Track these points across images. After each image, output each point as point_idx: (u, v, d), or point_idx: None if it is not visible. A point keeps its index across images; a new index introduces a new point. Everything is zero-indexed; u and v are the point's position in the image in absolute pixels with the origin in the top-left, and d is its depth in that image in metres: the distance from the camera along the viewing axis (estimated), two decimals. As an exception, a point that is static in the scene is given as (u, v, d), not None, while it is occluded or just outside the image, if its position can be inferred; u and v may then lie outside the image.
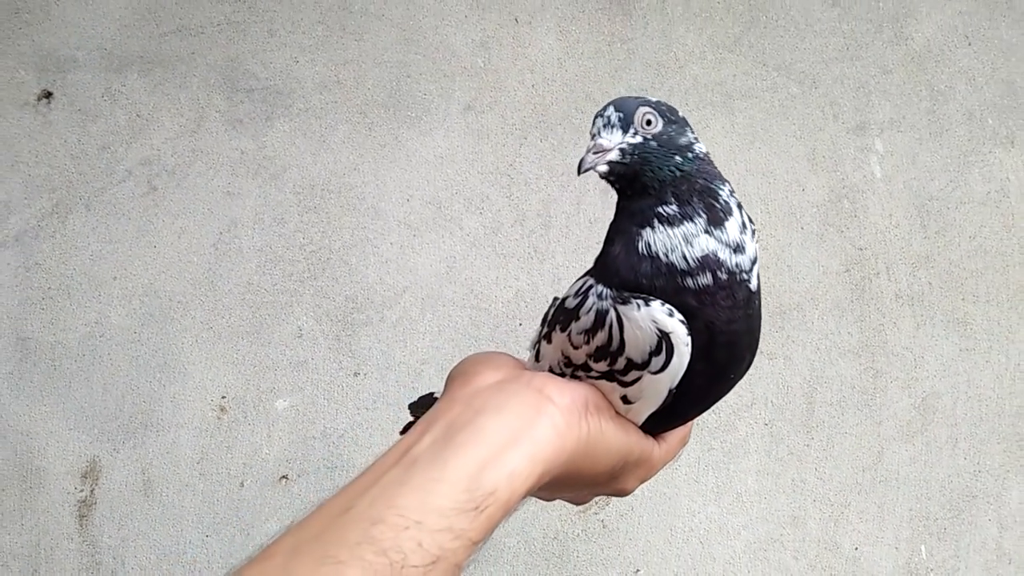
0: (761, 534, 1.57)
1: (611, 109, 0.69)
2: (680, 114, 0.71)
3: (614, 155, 0.67)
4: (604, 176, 0.69)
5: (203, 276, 1.52)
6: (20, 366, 1.48)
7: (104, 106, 1.52)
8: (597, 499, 1.52)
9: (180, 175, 1.52)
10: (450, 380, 0.70)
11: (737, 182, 1.60)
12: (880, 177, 1.63)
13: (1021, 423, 1.62)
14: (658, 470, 0.76)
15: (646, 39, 1.61)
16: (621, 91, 1.57)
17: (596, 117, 0.70)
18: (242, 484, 1.50)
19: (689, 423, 0.78)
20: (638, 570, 1.54)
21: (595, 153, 0.68)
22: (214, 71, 1.54)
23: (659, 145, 0.68)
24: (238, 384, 1.51)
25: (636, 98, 0.70)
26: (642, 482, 0.76)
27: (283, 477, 1.51)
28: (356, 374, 1.52)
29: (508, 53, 1.59)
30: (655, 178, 0.67)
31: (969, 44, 1.66)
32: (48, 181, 1.50)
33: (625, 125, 0.68)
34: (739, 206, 0.69)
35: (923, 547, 1.59)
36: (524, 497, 0.60)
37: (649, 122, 0.68)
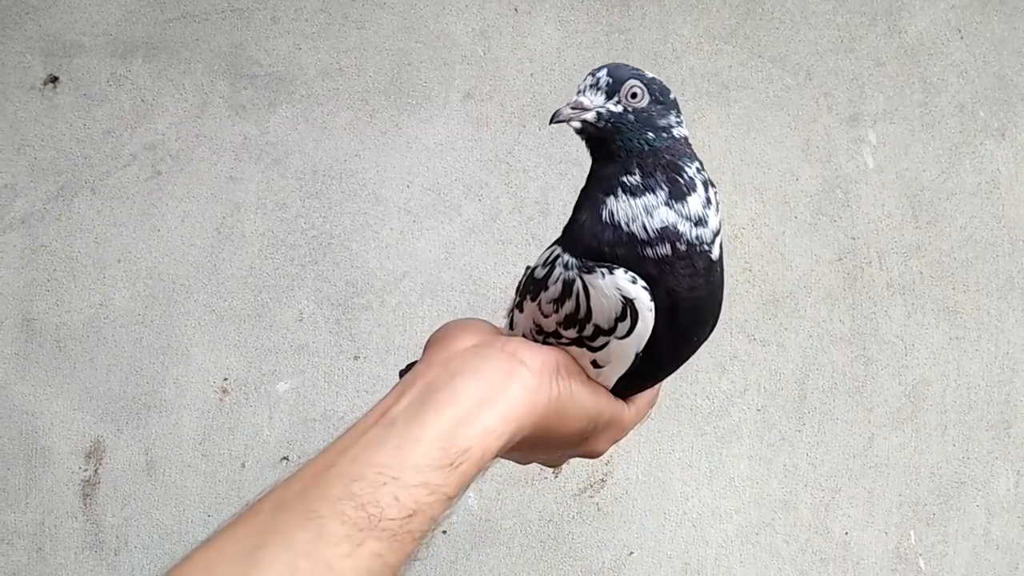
0: (753, 518, 1.59)
1: (603, 72, 0.71)
2: (672, 97, 0.73)
3: (590, 116, 0.70)
4: (577, 132, 0.72)
5: (206, 260, 1.54)
6: (25, 347, 1.50)
7: (109, 91, 1.54)
8: (592, 480, 1.55)
9: (184, 160, 1.55)
10: (428, 345, 0.72)
11: (732, 172, 1.62)
12: (873, 168, 1.65)
13: (1009, 411, 1.65)
14: (628, 431, 0.79)
15: (644, 29, 1.63)
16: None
17: (587, 75, 0.72)
18: (243, 465, 1.52)
19: (657, 385, 0.81)
20: (632, 552, 1.57)
21: (572, 108, 0.70)
22: (218, 57, 1.56)
23: (636, 120, 0.70)
24: (240, 366, 1.53)
25: (631, 69, 0.72)
26: (613, 443, 0.79)
27: (284, 458, 1.53)
28: (356, 358, 1.55)
29: (508, 42, 1.61)
30: (623, 147, 0.69)
31: (961, 38, 1.69)
32: (54, 164, 1.52)
33: (611, 92, 0.70)
34: (707, 184, 0.70)
35: (912, 532, 1.62)
36: (497, 455, 0.63)
37: (635, 95, 0.70)
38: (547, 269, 0.71)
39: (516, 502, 1.55)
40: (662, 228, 0.67)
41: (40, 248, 1.51)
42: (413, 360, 0.94)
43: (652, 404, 0.82)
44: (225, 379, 1.53)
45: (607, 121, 0.70)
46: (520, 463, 0.85)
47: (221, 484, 1.51)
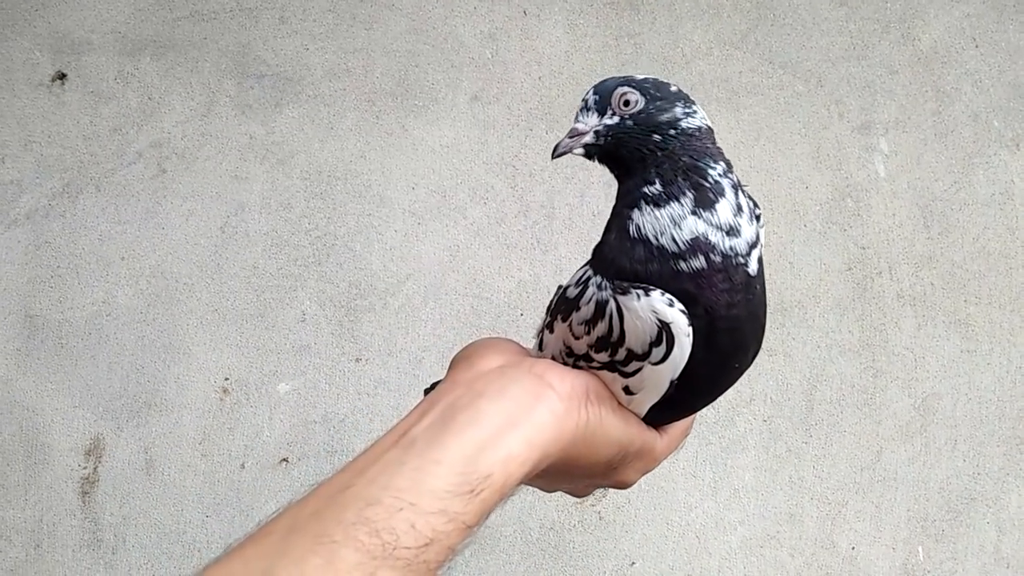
0: (758, 530, 1.57)
1: (590, 92, 0.69)
2: (674, 89, 0.69)
3: (588, 138, 0.67)
4: (587, 157, 0.69)
5: (209, 259, 1.53)
6: (28, 343, 1.50)
7: (117, 88, 1.54)
8: (595, 492, 1.53)
9: (189, 158, 1.54)
10: (453, 364, 0.69)
11: (741, 178, 1.61)
12: (884, 176, 1.63)
13: (1021, 426, 1.62)
14: (659, 462, 0.75)
15: (653, 34, 1.62)
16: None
17: (581, 101, 0.69)
18: (243, 466, 1.51)
19: (692, 416, 0.76)
20: (634, 563, 1.55)
21: (571, 137, 0.68)
22: (225, 56, 1.56)
23: (635, 124, 0.67)
24: (241, 366, 1.52)
25: (618, 78, 0.69)
26: (643, 474, 0.75)
27: (283, 460, 1.52)
28: (358, 360, 1.54)
29: (516, 45, 1.60)
30: (632, 157, 0.66)
31: (976, 46, 1.66)
32: (60, 161, 1.53)
33: (602, 107, 0.68)
34: (735, 187, 0.67)
35: (920, 548, 1.59)
36: (520, 483, 0.59)
37: (627, 102, 0.67)
38: (580, 288, 0.67)
39: (517, 509, 1.53)
40: (692, 239, 0.63)
41: (44, 244, 1.51)
42: (438, 379, 0.92)
43: (686, 435, 0.77)
44: (226, 379, 1.52)
45: (606, 136, 0.67)
46: (544, 491, 0.81)
47: (220, 484, 1.50)
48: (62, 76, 1.54)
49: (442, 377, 0.70)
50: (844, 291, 1.61)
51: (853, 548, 1.58)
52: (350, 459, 0.59)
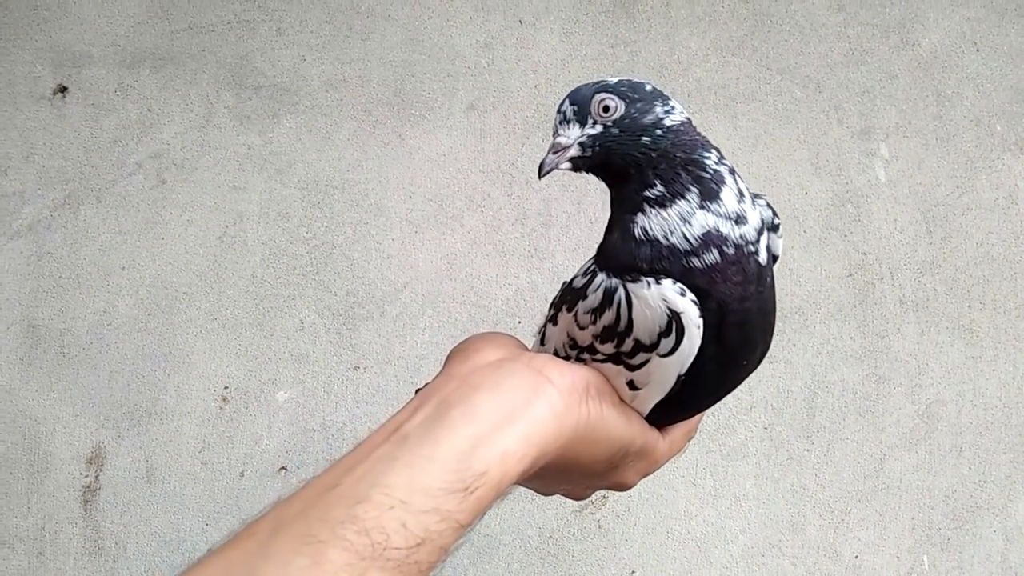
0: (759, 539, 1.55)
1: (566, 103, 0.67)
2: (649, 88, 0.68)
3: (573, 151, 0.66)
4: (575, 171, 0.67)
5: (209, 268, 1.55)
6: (30, 353, 1.52)
7: (116, 101, 1.56)
8: (594, 497, 1.53)
9: (188, 169, 1.56)
10: (450, 358, 0.68)
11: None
12: (885, 182, 1.62)
13: (1028, 433, 1.60)
14: (661, 464, 0.73)
15: (649, 42, 1.62)
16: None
17: (556, 114, 0.67)
18: (242, 474, 1.52)
19: (696, 417, 0.75)
20: (633, 572, 1.54)
21: (555, 153, 0.66)
22: (223, 68, 1.58)
23: (620, 131, 0.65)
24: (240, 375, 1.53)
25: (593, 84, 0.67)
26: (643, 476, 0.73)
27: (282, 468, 1.52)
28: (356, 368, 1.54)
29: (512, 54, 1.61)
30: (625, 164, 0.65)
31: (977, 50, 1.65)
32: (61, 173, 1.55)
33: (582, 117, 0.66)
34: (732, 172, 0.65)
35: (925, 557, 1.57)
36: (517, 481, 0.57)
37: (607, 108, 0.66)
38: (587, 278, 0.66)
39: (515, 517, 1.53)
40: (704, 234, 0.62)
41: (46, 255, 1.53)
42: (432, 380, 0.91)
43: (689, 437, 0.75)
44: (225, 387, 1.53)
45: (592, 147, 0.66)
46: (541, 493, 0.78)
47: (220, 493, 1.51)
48: (63, 89, 1.56)
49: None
50: (845, 297, 1.60)
51: (856, 557, 1.56)
52: (339, 456, 0.57)
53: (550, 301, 0.75)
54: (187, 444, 1.52)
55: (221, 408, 1.53)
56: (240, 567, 0.49)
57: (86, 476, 1.51)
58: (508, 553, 1.52)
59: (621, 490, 0.74)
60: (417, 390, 0.87)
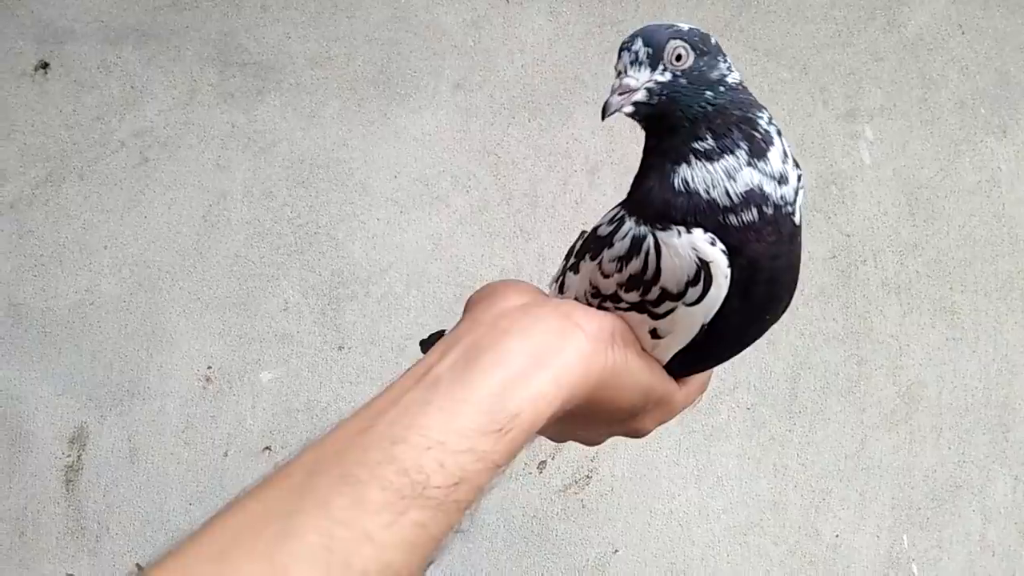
0: (741, 518, 1.57)
1: (639, 43, 0.64)
2: (714, 42, 0.66)
3: (641, 95, 0.63)
4: (630, 115, 0.65)
5: (192, 247, 1.54)
6: (11, 331, 1.51)
7: (99, 77, 1.54)
8: (576, 476, 1.53)
9: (172, 147, 1.55)
10: (471, 304, 0.66)
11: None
12: (869, 164, 1.62)
13: (1007, 414, 1.61)
14: (676, 413, 0.73)
15: (636, 21, 1.61)
16: (610, 73, 1.58)
17: (622, 51, 0.65)
18: (226, 454, 1.52)
19: (711, 370, 0.75)
20: (617, 550, 1.54)
21: (620, 94, 0.63)
22: (207, 45, 1.56)
23: (689, 82, 0.63)
24: (224, 355, 1.53)
25: (667, 28, 0.64)
26: (659, 424, 0.73)
27: (266, 448, 1.52)
28: (340, 348, 1.54)
29: (498, 33, 1.60)
30: (684, 117, 0.63)
31: (963, 33, 1.66)
32: (43, 150, 1.53)
33: (654, 61, 0.63)
34: (779, 133, 0.64)
35: (905, 536, 1.59)
36: (547, 422, 0.58)
37: (679, 57, 0.63)
38: (614, 225, 0.65)
39: (500, 496, 1.53)
40: (747, 191, 0.60)
41: (28, 234, 1.52)
42: (436, 331, 0.88)
43: (702, 390, 0.76)
44: (209, 367, 1.52)
45: (660, 95, 0.63)
46: (556, 440, 0.79)
47: (203, 473, 1.51)
48: (45, 65, 1.54)
49: (439, 330, 0.68)
50: (828, 279, 1.61)
51: (837, 536, 1.58)
52: (367, 400, 0.56)
53: (567, 250, 0.75)
54: (170, 424, 1.51)
55: (204, 388, 1.52)
56: (278, 508, 0.49)
57: (68, 456, 1.50)
58: (492, 532, 1.53)
59: (637, 437, 0.74)
60: (422, 342, 0.84)
